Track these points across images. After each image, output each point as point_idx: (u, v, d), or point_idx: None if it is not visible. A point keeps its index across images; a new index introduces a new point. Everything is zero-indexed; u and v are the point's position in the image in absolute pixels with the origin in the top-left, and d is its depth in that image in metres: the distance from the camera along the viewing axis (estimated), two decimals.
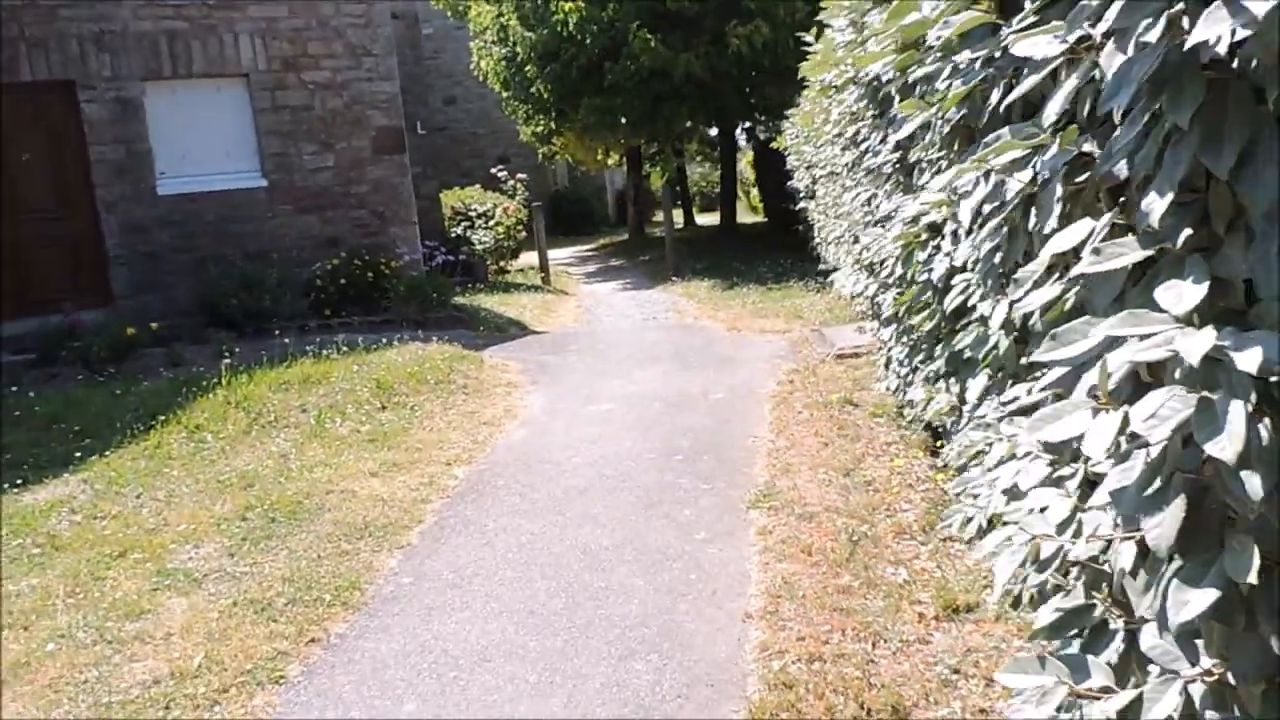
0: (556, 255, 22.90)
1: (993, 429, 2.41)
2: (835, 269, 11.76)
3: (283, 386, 7.84)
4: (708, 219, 32.59)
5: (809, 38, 6.63)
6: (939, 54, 2.36)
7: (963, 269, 2.83)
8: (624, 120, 18.23)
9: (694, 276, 15.49)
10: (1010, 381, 2.44)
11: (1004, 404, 2.31)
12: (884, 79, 3.56)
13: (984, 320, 2.54)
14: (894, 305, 4.53)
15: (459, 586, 4.46)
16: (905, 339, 4.83)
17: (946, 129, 2.54)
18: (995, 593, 2.04)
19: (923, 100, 2.69)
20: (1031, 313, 2.00)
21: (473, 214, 18.72)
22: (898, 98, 3.50)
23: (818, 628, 3.69)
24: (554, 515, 5.31)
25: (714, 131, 27.64)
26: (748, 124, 21.34)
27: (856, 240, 6.55)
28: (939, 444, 5.55)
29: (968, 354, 2.81)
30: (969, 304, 2.70)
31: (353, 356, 8.81)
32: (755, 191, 27.53)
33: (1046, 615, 1.71)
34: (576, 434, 6.94)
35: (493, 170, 20.22)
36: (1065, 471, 1.82)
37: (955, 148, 2.61)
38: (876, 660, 3.42)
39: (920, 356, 4.50)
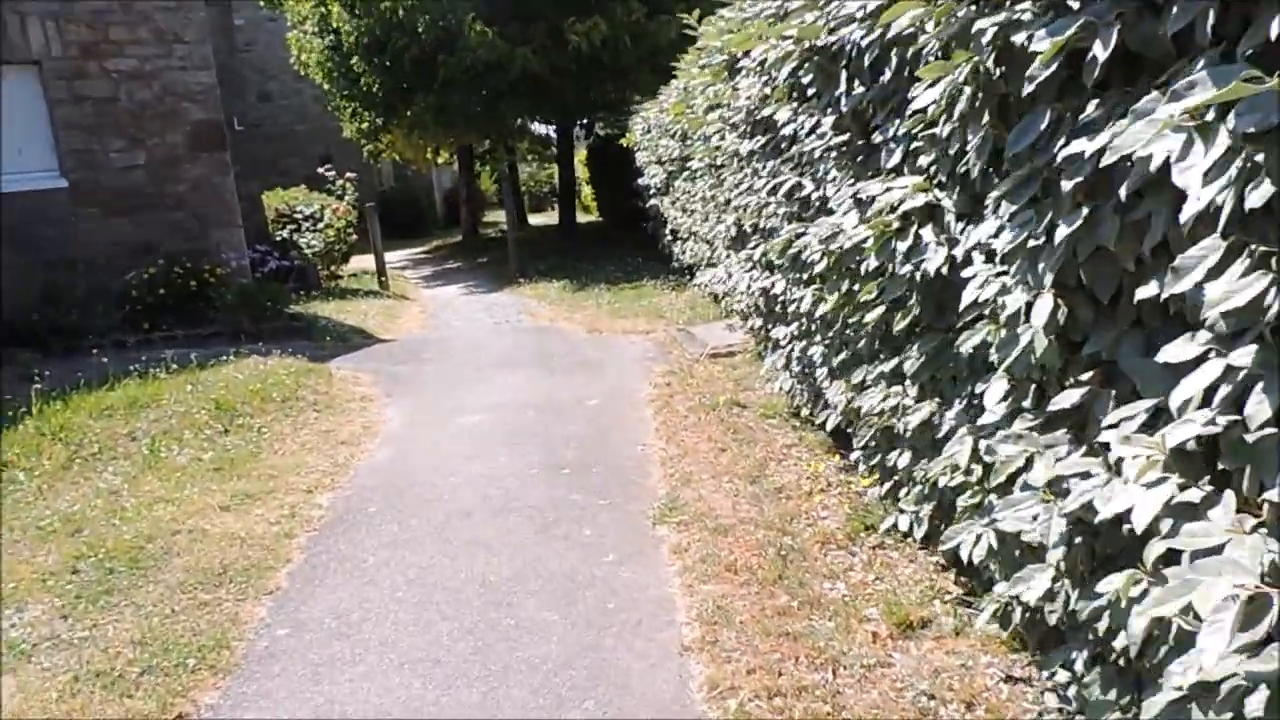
0: (390, 258, 21.80)
1: (1027, 440, 2.14)
2: (692, 266, 11.61)
3: (106, 412, 6.94)
4: (539, 219, 32.16)
5: (691, 21, 6.37)
6: None
7: (966, 261, 2.56)
8: (459, 117, 17.55)
9: (540, 278, 15.04)
10: (1034, 388, 2.18)
11: (1038, 413, 2.06)
12: (864, 41, 3.22)
13: (994, 317, 2.28)
14: (814, 302, 4.27)
15: (346, 636, 3.91)
16: (822, 338, 4.58)
17: (977, 98, 2.25)
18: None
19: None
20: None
21: (299, 216, 17.60)
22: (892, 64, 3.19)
23: (767, 657, 3.38)
24: (440, 544, 4.81)
25: (550, 129, 27.31)
26: (584, 121, 21.02)
27: (741, 234, 6.32)
28: (841, 448, 5.38)
29: (989, 356, 2.48)
30: (981, 299, 2.41)
31: (185, 374, 7.94)
32: (587, 190, 27.29)
33: None
34: (448, 450, 6.41)
35: (319, 170, 19.10)
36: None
37: (986, 119, 2.33)
38: (841, 690, 3.13)
39: (843, 355, 4.26)
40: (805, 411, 5.80)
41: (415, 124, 19.57)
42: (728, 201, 6.34)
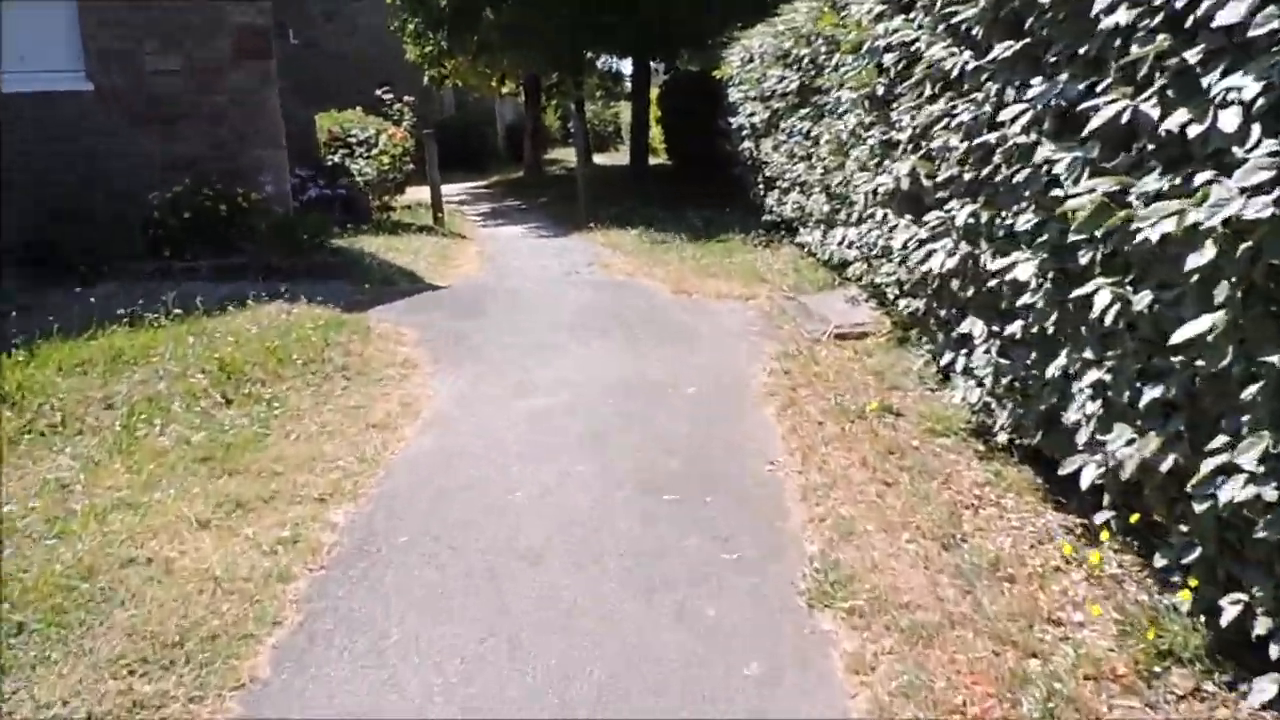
0: (447, 191, 20.31)
1: None
2: (792, 221, 9.94)
3: (80, 369, 5.54)
4: (603, 159, 30.34)
5: None
6: None
7: None
8: (531, 39, 15.88)
9: (612, 224, 13.41)
10: None
11: None
12: None
13: None
14: (1111, 302, 2.66)
15: None
16: (1097, 353, 2.97)
17: None
18: None
19: None
20: None
21: (352, 140, 16.14)
22: None
23: None
24: (496, 611, 3.32)
25: (621, 63, 25.50)
26: (662, 54, 19.18)
27: (919, 188, 4.67)
28: (1057, 493, 3.80)
29: None
30: None
31: (188, 323, 6.52)
32: (655, 131, 25.36)
33: None
34: (509, 446, 4.93)
35: (377, 92, 17.59)
36: None
37: None
38: None
39: (1158, 390, 2.65)
40: (1005, 435, 4.20)
41: (482, 47, 17.98)
42: (908, 142, 4.67)
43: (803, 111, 8.05)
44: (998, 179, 3.46)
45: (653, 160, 22.48)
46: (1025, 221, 3.18)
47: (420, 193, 16.18)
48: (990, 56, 3.40)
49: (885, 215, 5.38)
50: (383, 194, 16.09)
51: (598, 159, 30.40)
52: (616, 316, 7.80)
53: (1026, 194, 3.19)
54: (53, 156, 9.71)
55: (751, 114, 10.82)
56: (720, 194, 14.88)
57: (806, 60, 7.58)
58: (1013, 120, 3.18)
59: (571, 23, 15.54)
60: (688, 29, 16.48)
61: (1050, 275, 3.23)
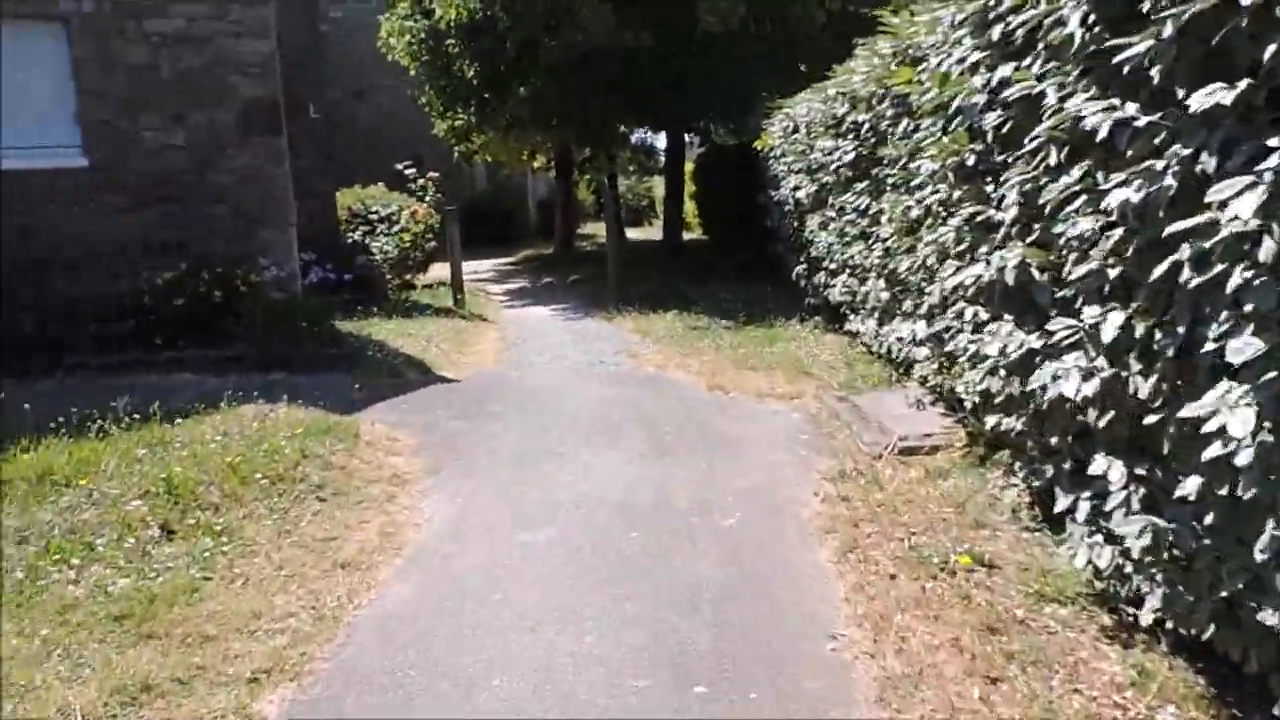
0: (474, 268, 19.80)
1: None
2: (840, 306, 8.99)
3: None
4: (636, 234, 29.73)
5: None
6: None
7: None
8: (560, 113, 15.23)
9: (643, 306, 12.53)
10: None
11: None
12: None
13: None
14: None
15: None
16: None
17: None
18: None
19: None
20: None
21: (373, 217, 15.53)
22: None
23: None
24: None
25: (655, 137, 24.95)
26: (699, 126, 18.50)
27: (1024, 285, 3.71)
28: (1222, 685, 2.76)
29: None
30: None
31: (144, 430, 5.63)
32: (689, 205, 24.67)
33: None
34: (503, 601, 3.95)
35: (398, 167, 17.03)
36: None
37: None
38: None
39: None
40: (1152, 616, 3.16)
41: (512, 122, 17.40)
42: (1013, 224, 3.69)
43: (859, 186, 7.14)
44: (1185, 280, 2.45)
45: (687, 235, 21.76)
46: (1242, 348, 2.20)
47: (445, 270, 15.48)
48: (1174, 109, 2.45)
49: (974, 313, 4.39)
50: (403, 272, 15.40)
51: (631, 234, 29.82)
52: (643, 419, 6.84)
53: (1247, 308, 2.21)
54: (37, 236, 9.04)
55: (795, 188, 9.96)
56: (758, 272, 14.02)
57: (866, 127, 6.67)
58: (1226, 201, 2.21)
59: (604, 97, 14.91)
60: (723, 101, 15.81)
61: (1271, 425, 2.23)
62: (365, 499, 5.20)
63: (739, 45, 13.33)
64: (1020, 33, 3.50)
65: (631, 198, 42.09)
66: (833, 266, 9.02)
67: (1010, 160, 3.73)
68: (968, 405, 5.40)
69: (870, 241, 7.12)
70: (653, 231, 33.08)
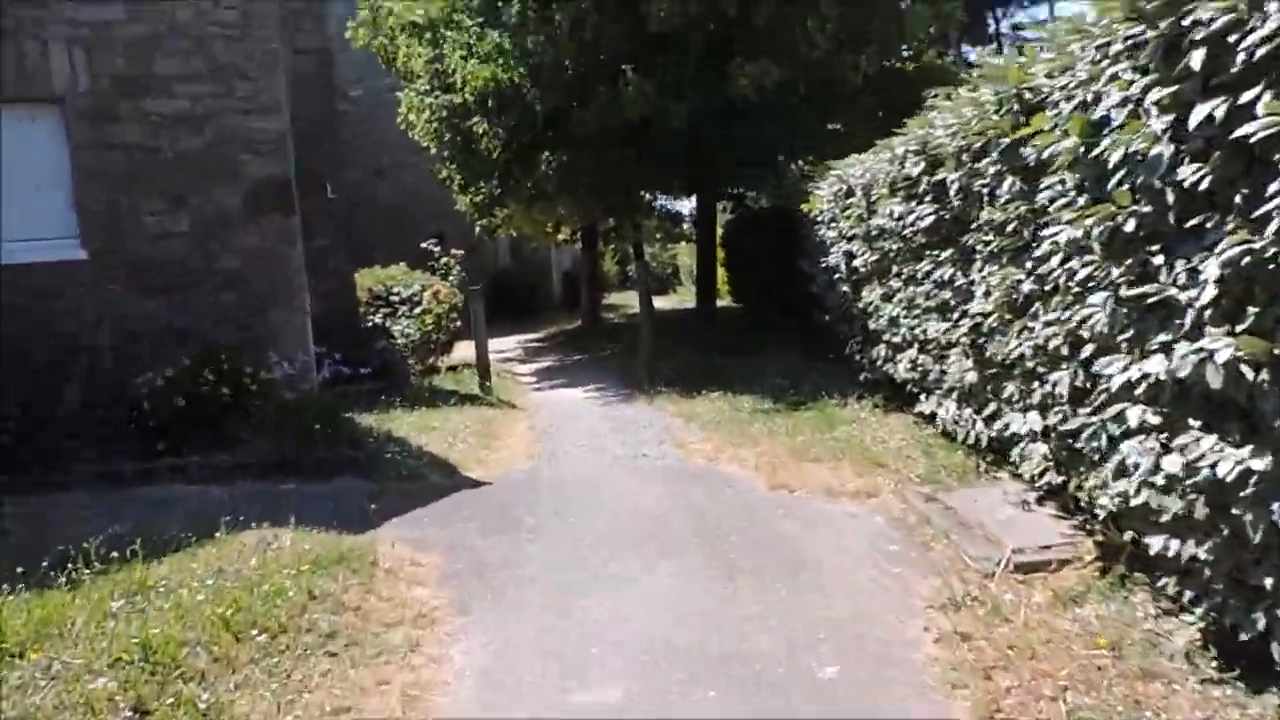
0: (499, 346, 19.06)
1: None
2: (906, 383, 8.08)
3: None
4: (662, 302, 28.93)
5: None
6: None
7: None
8: (588, 185, 14.57)
9: (682, 384, 11.65)
10: None
11: None
12: None
13: None
14: None
15: None
16: None
17: None
18: None
19: None
20: None
21: (395, 298, 14.85)
22: None
23: None
24: None
25: (682, 203, 24.28)
26: (733, 190, 17.81)
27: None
28: None
29: None
30: None
31: (124, 572, 4.76)
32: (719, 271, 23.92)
33: None
34: None
35: (423, 244, 16.42)
36: None
37: None
38: None
39: None
40: None
41: (537, 195, 16.78)
42: (1213, 304, 2.81)
43: (940, 254, 6.28)
44: None
45: (717, 302, 20.96)
46: None
47: (471, 349, 14.72)
48: None
49: (1141, 415, 3.48)
50: (426, 356, 14.65)
51: (658, 302, 29.00)
52: (702, 528, 5.92)
53: None
54: (34, 334, 8.34)
55: (849, 255, 9.13)
56: (800, 343, 13.16)
57: (955, 188, 5.79)
58: None
59: (633, 165, 14.25)
60: (756, 165, 15.11)
61: None
62: (384, 649, 4.30)
63: (771, 108, 12.64)
64: (1238, 58, 2.65)
65: (656, 265, 41.60)
66: (897, 340, 8.15)
67: (1207, 224, 2.87)
68: (1099, 513, 4.49)
69: (953, 316, 6.24)
70: (679, 300, 32.38)
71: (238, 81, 9.18)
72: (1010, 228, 4.84)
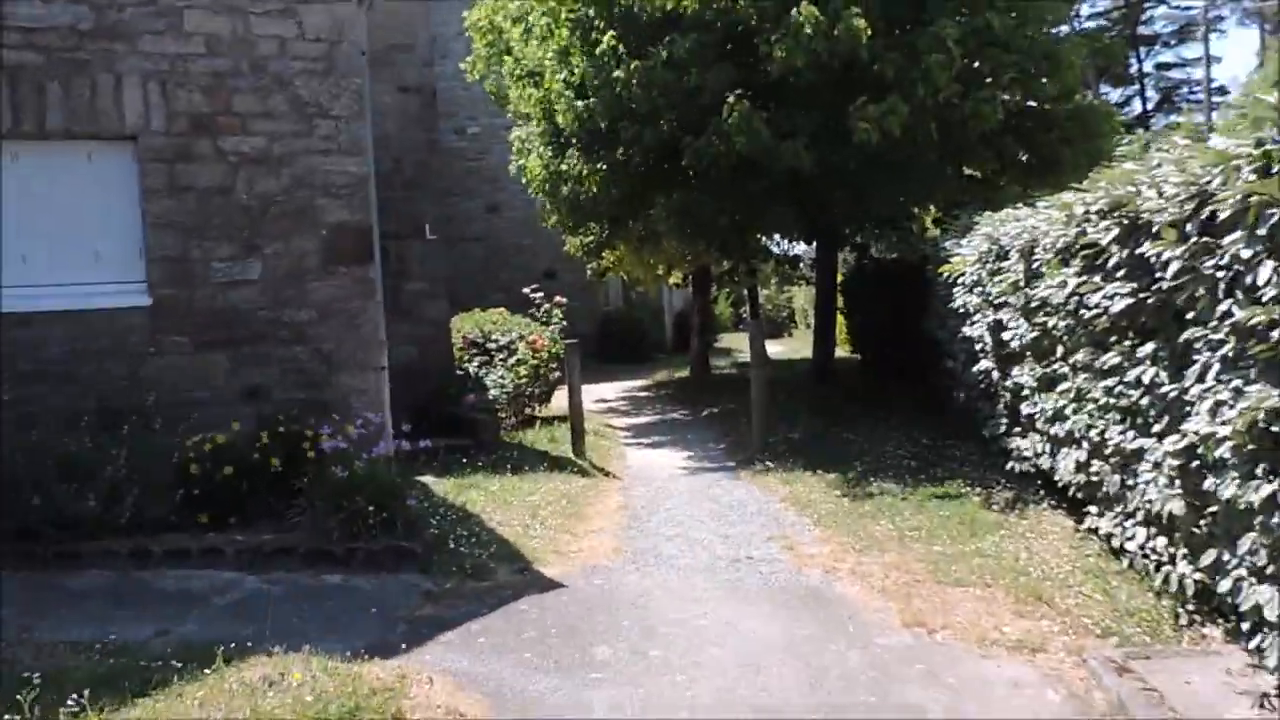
0: (602, 393, 18.11)
1: None
2: (1070, 487, 6.62)
3: None
4: (776, 347, 27.55)
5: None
6: None
7: None
8: (701, 226, 13.47)
9: (796, 457, 10.36)
10: None
11: None
12: None
13: None
14: None
15: None
16: None
17: None
18: None
19: None
20: None
21: (491, 346, 13.99)
22: None
23: None
24: None
25: (798, 247, 22.97)
26: (855, 236, 16.44)
27: None
28: None
29: None
30: None
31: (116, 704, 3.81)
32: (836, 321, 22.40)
33: None
34: None
35: (525, 290, 15.56)
36: None
37: None
38: None
39: None
40: None
41: (646, 236, 15.80)
42: None
43: (1138, 348, 4.90)
44: None
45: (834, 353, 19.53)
46: None
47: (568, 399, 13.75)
48: None
49: None
50: (520, 409, 13.71)
51: (771, 347, 27.68)
52: (813, 677, 4.66)
53: None
54: (86, 389, 7.66)
55: (998, 326, 7.75)
56: (929, 412, 11.74)
57: (1176, 266, 4.31)
58: None
59: (742, 207, 13.10)
60: (879, 212, 13.78)
61: None
62: None
63: (897, 149, 11.33)
64: None
65: (770, 308, 40.24)
66: (1054, 433, 6.74)
67: None
68: None
69: (1150, 426, 4.85)
70: (794, 345, 30.99)
71: (320, 120, 8.43)
72: (1276, 333, 3.47)
